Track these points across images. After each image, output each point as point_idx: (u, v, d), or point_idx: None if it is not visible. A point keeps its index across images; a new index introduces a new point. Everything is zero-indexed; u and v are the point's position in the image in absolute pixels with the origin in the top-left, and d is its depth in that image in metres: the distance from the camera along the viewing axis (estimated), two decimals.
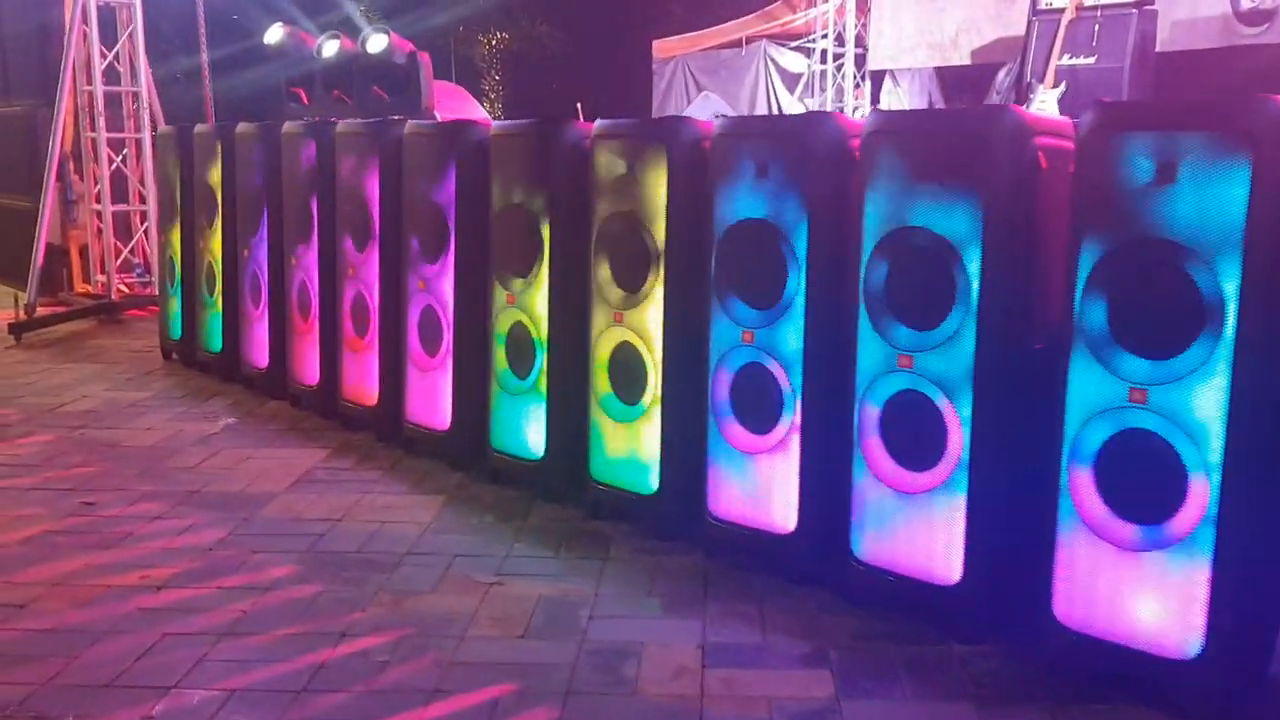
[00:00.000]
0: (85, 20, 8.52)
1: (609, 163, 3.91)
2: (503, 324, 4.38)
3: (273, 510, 4.20)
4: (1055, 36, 9.98)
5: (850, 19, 13.29)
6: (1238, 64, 10.06)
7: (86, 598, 3.38)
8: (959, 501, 3.06)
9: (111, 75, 8.88)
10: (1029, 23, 10.43)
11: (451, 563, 3.69)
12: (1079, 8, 9.95)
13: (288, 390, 5.75)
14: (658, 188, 3.75)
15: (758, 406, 3.54)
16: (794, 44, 14.32)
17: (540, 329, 4.23)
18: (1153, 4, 9.81)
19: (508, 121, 4.44)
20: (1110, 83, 9.74)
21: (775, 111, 13.94)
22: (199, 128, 6.43)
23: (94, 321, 8.42)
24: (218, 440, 5.17)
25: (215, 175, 6.23)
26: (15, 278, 8.71)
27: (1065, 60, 9.97)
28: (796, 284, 3.40)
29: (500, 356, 4.41)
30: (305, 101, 8.05)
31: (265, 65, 7.97)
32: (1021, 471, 2.98)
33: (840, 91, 13.46)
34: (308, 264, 5.48)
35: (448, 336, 4.64)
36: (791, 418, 3.45)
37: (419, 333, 4.79)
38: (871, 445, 3.25)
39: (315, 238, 5.41)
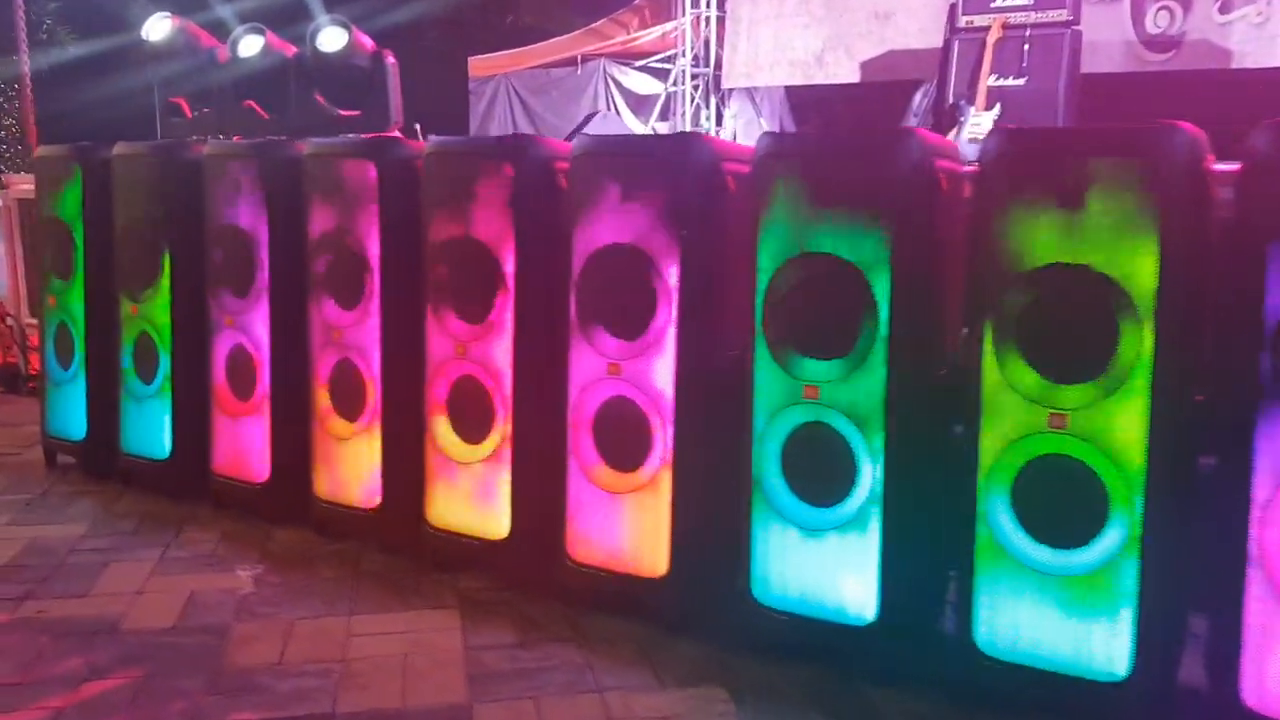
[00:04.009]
0: None
1: (1030, 193, 2.67)
2: (782, 422, 3.03)
3: None
4: (981, 57, 9.40)
5: (711, 36, 12.33)
6: (1150, 91, 9.83)
7: None
8: None
9: None
10: (946, 41, 9.82)
11: None
12: (1005, 26, 9.41)
13: (312, 513, 4.07)
14: (1133, 227, 2.55)
15: None
16: (640, 63, 13.20)
17: (871, 431, 2.91)
18: (1079, 24, 9.41)
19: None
20: (1044, 104, 9.25)
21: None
22: (122, 147, 4.60)
23: None
24: (265, 607, 3.47)
25: (156, 214, 4.44)
26: None
27: (994, 81, 9.39)
28: None
29: (771, 471, 3.05)
30: (188, 115, 6.19)
31: (144, 69, 6.04)
32: None
33: (699, 113, 12.46)
34: (361, 339, 3.86)
35: (662, 437, 3.22)
36: None
37: (596, 437, 3.35)
38: None
39: (377, 299, 3.81)
